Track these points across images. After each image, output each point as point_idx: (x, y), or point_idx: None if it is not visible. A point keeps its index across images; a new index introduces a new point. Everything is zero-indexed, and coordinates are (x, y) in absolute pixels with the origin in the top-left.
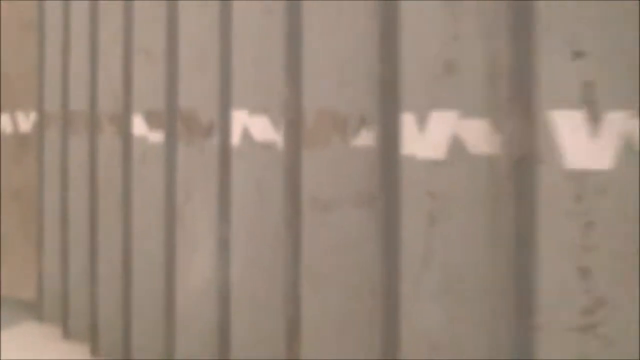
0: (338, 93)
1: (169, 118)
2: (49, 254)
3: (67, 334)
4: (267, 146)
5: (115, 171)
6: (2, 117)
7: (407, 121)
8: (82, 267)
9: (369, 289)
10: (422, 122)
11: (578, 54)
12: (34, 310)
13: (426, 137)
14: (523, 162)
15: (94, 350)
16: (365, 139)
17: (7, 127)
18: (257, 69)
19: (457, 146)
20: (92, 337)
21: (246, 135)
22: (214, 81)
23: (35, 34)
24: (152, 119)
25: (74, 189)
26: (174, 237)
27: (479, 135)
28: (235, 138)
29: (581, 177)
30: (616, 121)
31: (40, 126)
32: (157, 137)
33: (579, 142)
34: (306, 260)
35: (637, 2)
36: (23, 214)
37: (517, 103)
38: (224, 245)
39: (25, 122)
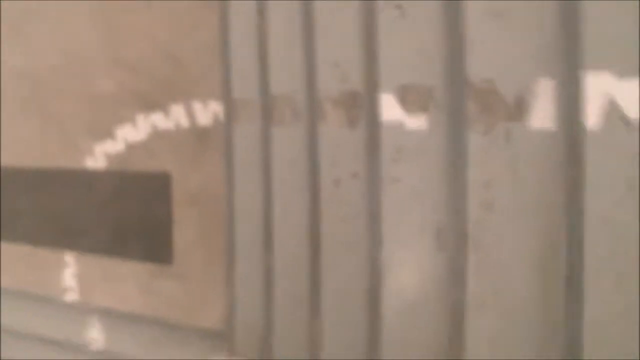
0: None
1: (447, 94)
2: (243, 276)
3: None
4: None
5: (358, 171)
6: (175, 108)
7: None
8: (295, 296)
9: None
10: None
11: None
12: (218, 341)
13: None
14: None
15: None
16: None
17: (183, 120)
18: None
19: None
20: None
21: (611, 111)
22: (526, 35)
23: (212, 6)
24: (410, 98)
25: (279, 195)
26: (464, 264)
27: None
28: (593, 116)
29: None
30: None
31: (228, 117)
32: (420, 122)
33: None
34: None
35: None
36: (202, 224)
37: None
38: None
39: (204, 113)
